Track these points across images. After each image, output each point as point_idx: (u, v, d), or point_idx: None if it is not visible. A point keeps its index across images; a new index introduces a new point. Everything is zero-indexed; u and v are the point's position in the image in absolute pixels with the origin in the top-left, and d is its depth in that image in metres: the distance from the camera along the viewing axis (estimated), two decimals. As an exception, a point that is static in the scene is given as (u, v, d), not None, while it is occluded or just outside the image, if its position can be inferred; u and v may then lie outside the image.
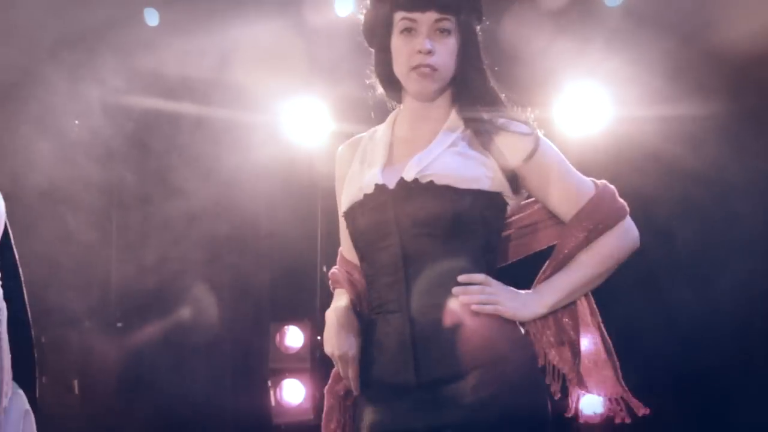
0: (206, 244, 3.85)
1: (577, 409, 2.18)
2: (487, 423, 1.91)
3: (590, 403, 4.76)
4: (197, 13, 5.23)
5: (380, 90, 2.16)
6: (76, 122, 5.16)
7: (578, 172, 2.13)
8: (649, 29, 4.75)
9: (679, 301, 4.65)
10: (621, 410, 2.11)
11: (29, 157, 4.92)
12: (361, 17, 2.11)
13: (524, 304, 2.00)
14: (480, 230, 1.99)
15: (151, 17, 5.41)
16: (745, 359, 4.67)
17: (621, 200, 2.13)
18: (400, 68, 2.03)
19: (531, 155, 2.04)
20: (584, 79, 4.92)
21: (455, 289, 1.94)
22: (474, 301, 1.94)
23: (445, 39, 1.99)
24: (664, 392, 4.51)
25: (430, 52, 1.97)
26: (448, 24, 1.98)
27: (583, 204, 2.06)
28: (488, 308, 1.94)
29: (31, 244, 5.04)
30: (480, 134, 2.02)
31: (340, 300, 2.13)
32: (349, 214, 2.06)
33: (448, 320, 1.94)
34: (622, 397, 2.10)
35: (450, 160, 1.98)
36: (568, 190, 2.07)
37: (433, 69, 1.99)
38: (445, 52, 1.98)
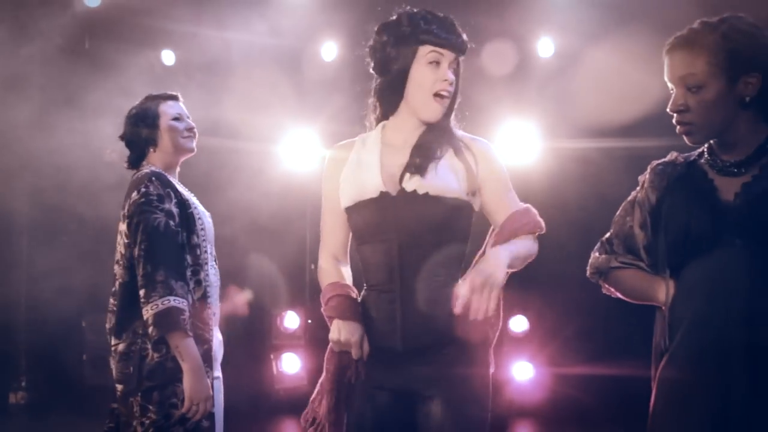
0: (221, 246, 4.26)
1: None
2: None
3: (521, 370, 5.58)
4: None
5: (375, 114, 2.26)
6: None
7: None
8: (573, 75, 5.33)
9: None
10: None
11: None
12: (368, 51, 2.21)
13: (495, 268, 1.98)
14: (456, 234, 2.15)
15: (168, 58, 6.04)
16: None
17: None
18: (421, 91, 2.14)
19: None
20: (520, 117, 5.49)
21: (456, 309, 1.93)
22: (482, 310, 1.91)
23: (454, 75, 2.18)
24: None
25: (452, 84, 2.16)
26: (457, 64, 2.18)
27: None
28: (493, 304, 1.93)
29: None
30: (457, 150, 2.17)
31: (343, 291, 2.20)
32: (354, 209, 2.18)
33: (430, 303, 2.10)
34: None
35: (441, 173, 2.13)
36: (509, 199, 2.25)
37: (450, 96, 2.17)
38: (454, 85, 2.19)
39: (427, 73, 2.13)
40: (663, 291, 1.97)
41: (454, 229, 2.15)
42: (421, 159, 2.14)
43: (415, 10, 2.16)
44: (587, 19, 5.43)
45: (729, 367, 1.84)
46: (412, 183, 2.12)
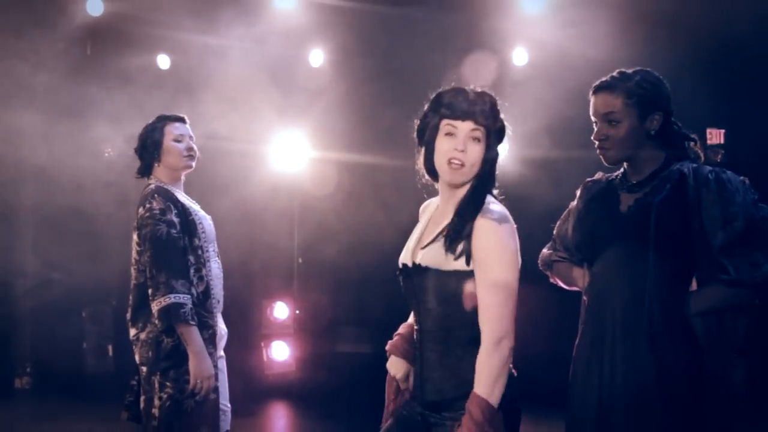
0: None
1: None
2: None
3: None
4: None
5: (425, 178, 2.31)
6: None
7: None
8: (545, 84, 5.57)
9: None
10: None
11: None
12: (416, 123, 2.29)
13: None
14: (453, 301, 2.14)
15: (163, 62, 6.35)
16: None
17: None
18: (438, 160, 2.21)
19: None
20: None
21: None
22: None
23: (475, 145, 2.18)
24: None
25: (462, 151, 2.17)
26: (483, 134, 2.18)
27: None
28: None
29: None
30: (467, 220, 2.17)
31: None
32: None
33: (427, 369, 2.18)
34: None
35: (437, 244, 2.18)
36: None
37: (461, 164, 2.18)
38: (473, 154, 2.18)
39: (444, 143, 2.20)
40: (582, 279, 2.48)
41: (445, 297, 2.18)
42: (434, 232, 2.23)
43: (447, 89, 2.24)
44: (560, 31, 5.70)
45: (614, 339, 2.30)
46: (418, 255, 2.23)
